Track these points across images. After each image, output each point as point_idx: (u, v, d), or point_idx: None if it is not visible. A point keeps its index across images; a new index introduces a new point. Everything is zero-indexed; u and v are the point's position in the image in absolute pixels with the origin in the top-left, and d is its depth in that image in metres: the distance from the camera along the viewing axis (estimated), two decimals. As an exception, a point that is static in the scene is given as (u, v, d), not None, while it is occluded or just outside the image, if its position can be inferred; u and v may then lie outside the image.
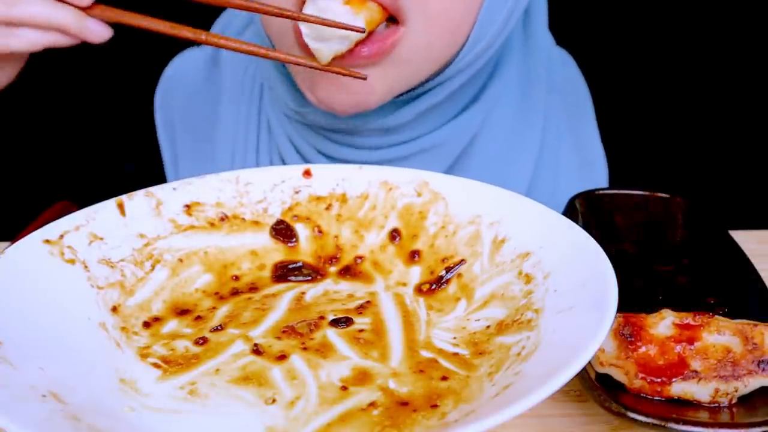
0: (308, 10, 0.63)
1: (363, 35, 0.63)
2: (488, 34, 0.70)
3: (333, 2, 0.62)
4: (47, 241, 0.52)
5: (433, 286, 0.57)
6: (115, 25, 0.64)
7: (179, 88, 0.86)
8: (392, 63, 0.67)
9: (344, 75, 0.64)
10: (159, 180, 0.83)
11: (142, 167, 0.86)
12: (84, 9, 0.63)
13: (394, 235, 0.60)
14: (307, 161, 0.79)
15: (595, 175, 0.81)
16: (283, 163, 0.80)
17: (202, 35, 0.64)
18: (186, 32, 0.63)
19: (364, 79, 0.63)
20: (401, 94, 0.72)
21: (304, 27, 0.64)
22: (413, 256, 0.59)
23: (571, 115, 0.82)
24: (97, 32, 0.63)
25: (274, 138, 0.81)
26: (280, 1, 0.63)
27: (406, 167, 0.67)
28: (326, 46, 0.64)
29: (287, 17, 0.62)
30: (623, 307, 0.45)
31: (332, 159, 0.77)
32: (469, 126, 0.76)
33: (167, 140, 0.85)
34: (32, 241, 0.52)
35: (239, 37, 0.81)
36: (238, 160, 0.81)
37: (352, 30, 0.61)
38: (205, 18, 0.85)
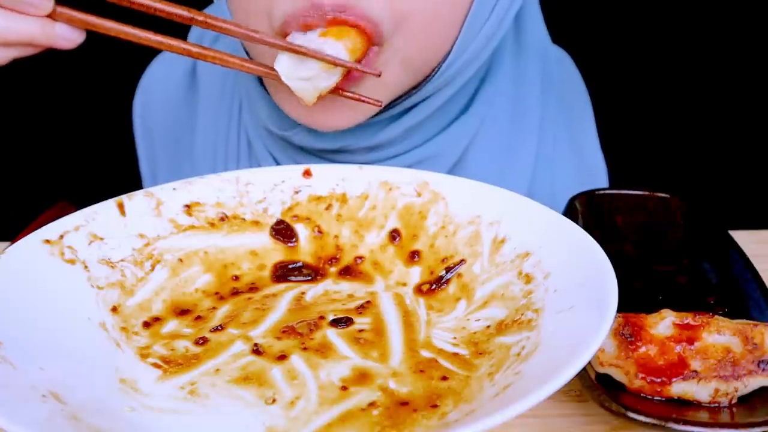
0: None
1: (354, 65, 0.59)
2: (473, 46, 0.67)
3: (310, 37, 0.58)
4: (47, 241, 0.52)
5: (433, 286, 0.57)
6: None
7: (158, 95, 0.83)
8: (367, 79, 0.63)
9: (357, 100, 0.61)
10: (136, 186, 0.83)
11: (119, 177, 0.85)
12: (50, 15, 0.57)
13: (394, 235, 0.60)
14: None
15: (595, 176, 0.80)
16: None
17: (173, 42, 0.59)
18: (159, 38, 0.59)
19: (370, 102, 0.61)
20: (385, 110, 0.68)
21: (280, 67, 0.59)
22: (413, 256, 0.59)
23: (569, 115, 0.81)
24: (68, 37, 0.58)
25: (255, 153, 0.77)
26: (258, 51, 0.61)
27: None
28: (311, 84, 0.59)
29: (266, 44, 0.58)
30: (623, 307, 0.45)
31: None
32: (462, 136, 0.74)
33: (145, 150, 0.83)
34: (32, 241, 0.52)
35: (214, 45, 0.79)
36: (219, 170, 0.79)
37: (351, 68, 0.59)
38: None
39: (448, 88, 0.69)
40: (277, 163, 0.76)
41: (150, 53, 0.86)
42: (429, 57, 0.66)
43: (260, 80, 0.73)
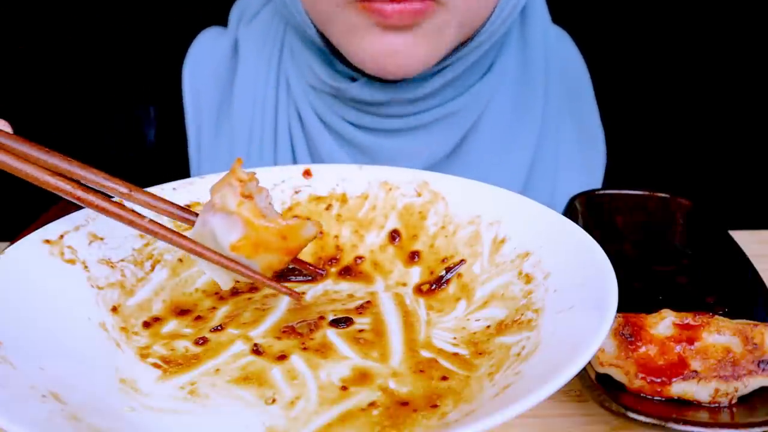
0: None
1: None
2: (509, 5, 0.75)
3: None
4: (47, 241, 0.52)
5: (433, 286, 0.57)
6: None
7: (206, 63, 0.87)
8: (431, 45, 0.71)
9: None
10: (181, 150, 0.85)
11: (164, 136, 0.87)
12: None
13: (394, 235, 0.60)
14: (327, 126, 0.81)
15: (595, 149, 0.85)
16: (302, 125, 0.83)
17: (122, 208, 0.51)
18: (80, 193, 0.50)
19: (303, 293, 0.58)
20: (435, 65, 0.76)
21: None
22: (413, 256, 0.59)
23: (570, 93, 0.86)
24: None
25: (293, 98, 0.83)
26: None
27: (427, 134, 0.77)
28: None
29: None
30: (623, 307, 0.45)
31: (356, 126, 0.80)
32: (483, 95, 0.81)
33: (193, 108, 0.86)
34: (32, 241, 0.52)
35: (256, 17, 0.87)
36: (257, 122, 0.84)
37: None
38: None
39: (481, 47, 0.77)
40: (318, 116, 0.82)
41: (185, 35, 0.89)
42: (480, 16, 0.74)
43: (319, 37, 0.77)
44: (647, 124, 0.88)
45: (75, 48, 0.90)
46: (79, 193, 0.50)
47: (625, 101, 0.88)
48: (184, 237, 0.50)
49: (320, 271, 0.56)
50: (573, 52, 0.88)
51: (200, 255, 0.49)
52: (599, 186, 0.84)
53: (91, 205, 0.50)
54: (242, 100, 0.85)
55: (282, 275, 0.59)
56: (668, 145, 0.89)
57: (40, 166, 0.49)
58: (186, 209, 0.53)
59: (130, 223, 0.50)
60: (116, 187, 0.51)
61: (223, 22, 0.90)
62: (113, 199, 0.51)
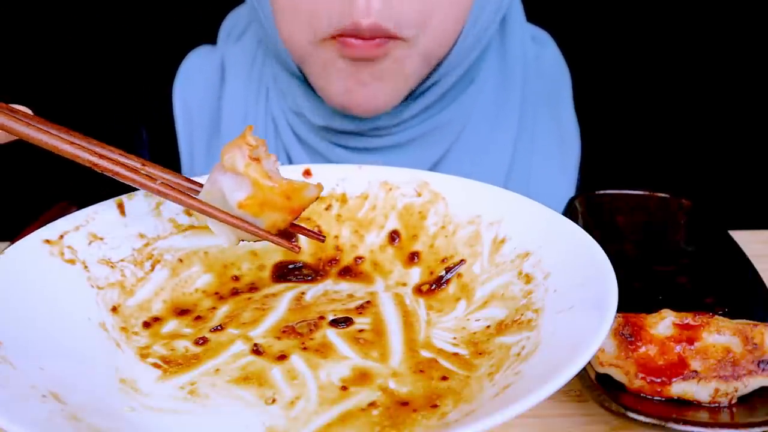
0: None
1: None
2: (475, 29, 0.76)
3: None
4: (47, 241, 0.52)
5: (433, 287, 0.57)
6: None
7: (197, 81, 0.88)
8: (396, 78, 0.73)
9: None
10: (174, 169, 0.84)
11: (157, 158, 0.87)
12: None
13: (394, 236, 0.60)
14: (313, 150, 0.82)
15: (571, 149, 0.86)
16: (288, 158, 0.83)
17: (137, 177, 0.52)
18: (106, 164, 0.52)
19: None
20: (408, 95, 0.77)
21: None
22: (413, 257, 0.59)
23: (548, 94, 0.87)
24: None
25: (279, 133, 0.84)
26: None
27: (414, 148, 0.78)
28: None
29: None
30: (623, 307, 0.45)
31: (343, 147, 0.81)
32: (467, 106, 0.83)
33: (185, 128, 0.87)
34: (32, 241, 0.52)
35: (243, 37, 0.87)
36: None
37: None
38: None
39: (457, 69, 0.78)
40: (300, 141, 0.83)
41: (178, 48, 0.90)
42: (443, 47, 0.75)
43: (298, 74, 0.79)
44: (648, 125, 0.88)
45: (66, 69, 0.90)
46: (95, 159, 0.52)
47: (609, 101, 0.88)
48: (194, 198, 0.52)
49: (321, 237, 0.57)
50: (552, 53, 0.89)
51: (209, 214, 0.51)
52: (574, 184, 0.85)
53: (106, 170, 0.52)
54: (230, 120, 0.85)
55: (282, 276, 0.59)
56: (668, 145, 0.89)
57: (59, 138, 0.52)
58: (193, 181, 0.55)
59: (142, 185, 0.52)
60: (130, 162, 0.54)
61: (212, 39, 0.90)
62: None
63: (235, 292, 0.58)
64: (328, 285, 0.59)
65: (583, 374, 0.48)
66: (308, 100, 0.80)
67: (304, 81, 0.79)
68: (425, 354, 0.50)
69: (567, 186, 0.84)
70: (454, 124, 0.82)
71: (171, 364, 0.50)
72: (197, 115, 0.86)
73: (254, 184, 0.50)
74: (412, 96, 0.78)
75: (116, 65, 0.90)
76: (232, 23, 0.90)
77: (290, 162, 0.84)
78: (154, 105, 0.87)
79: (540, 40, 0.90)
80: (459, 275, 0.57)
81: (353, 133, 0.80)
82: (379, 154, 0.81)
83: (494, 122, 0.84)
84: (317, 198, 0.52)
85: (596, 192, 0.70)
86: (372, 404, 0.46)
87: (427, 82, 0.77)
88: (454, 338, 0.52)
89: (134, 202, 0.57)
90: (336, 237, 0.61)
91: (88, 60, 0.86)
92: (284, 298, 0.57)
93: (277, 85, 0.84)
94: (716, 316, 0.50)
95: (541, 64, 0.88)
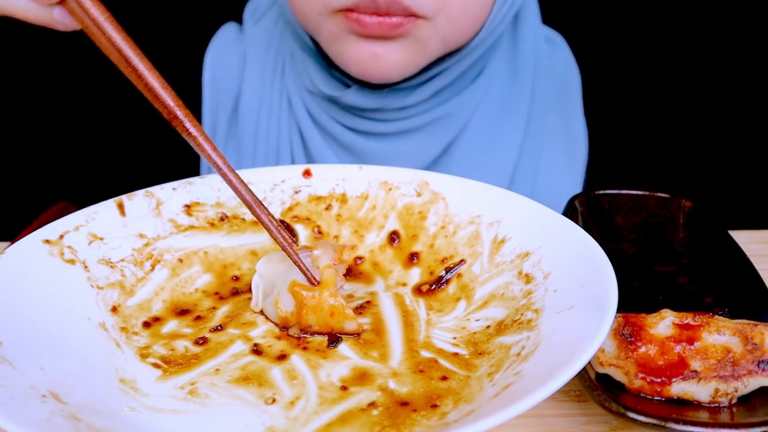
0: None
1: None
2: (497, 20, 0.77)
3: None
4: (47, 241, 0.52)
5: (433, 287, 0.57)
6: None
7: (226, 61, 0.89)
8: (404, 44, 0.73)
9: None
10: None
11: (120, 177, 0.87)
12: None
13: (394, 237, 0.60)
14: (321, 128, 0.83)
15: (578, 149, 0.86)
16: (299, 128, 0.84)
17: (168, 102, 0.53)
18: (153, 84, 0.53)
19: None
20: (415, 75, 0.78)
21: None
22: (413, 257, 0.59)
23: (557, 94, 0.87)
24: (64, 22, 0.53)
25: (294, 112, 0.85)
26: None
27: (419, 137, 0.79)
28: None
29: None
30: (623, 307, 0.45)
31: (349, 129, 0.82)
32: (474, 98, 0.84)
33: (210, 103, 0.87)
34: (32, 241, 0.52)
35: (263, 18, 0.89)
36: (261, 135, 0.85)
37: None
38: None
39: (467, 58, 0.80)
40: (315, 121, 0.84)
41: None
42: (465, 33, 0.76)
43: (314, 46, 0.80)
44: (648, 125, 0.88)
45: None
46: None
47: (618, 102, 0.88)
48: (249, 190, 0.53)
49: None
50: (563, 53, 0.89)
51: (258, 218, 0.53)
52: (580, 185, 0.85)
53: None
54: (247, 102, 0.86)
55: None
56: (668, 145, 0.89)
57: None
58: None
59: (209, 158, 0.52)
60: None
61: (238, 18, 0.91)
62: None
63: (235, 292, 0.58)
64: (328, 285, 0.59)
65: (583, 374, 0.48)
66: (320, 70, 0.81)
67: (317, 54, 0.80)
68: (425, 354, 0.50)
69: (574, 187, 0.84)
70: (459, 115, 0.83)
71: (171, 364, 0.50)
72: (224, 94, 0.88)
73: (321, 283, 0.52)
74: (419, 80, 0.79)
75: (145, 43, 0.90)
76: (256, 3, 0.92)
77: (302, 140, 0.85)
78: (183, 80, 0.87)
79: (553, 41, 0.90)
80: (459, 275, 0.57)
81: (363, 109, 0.81)
82: (385, 141, 0.82)
83: (501, 119, 0.84)
84: (351, 335, 0.52)
85: (596, 192, 0.70)
86: (372, 404, 0.46)
87: (437, 67, 0.78)
88: (454, 338, 0.52)
89: (134, 202, 0.57)
90: (336, 237, 0.61)
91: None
92: (284, 298, 0.57)
93: (294, 60, 0.85)
94: (716, 316, 0.50)
95: (552, 64, 0.88)
